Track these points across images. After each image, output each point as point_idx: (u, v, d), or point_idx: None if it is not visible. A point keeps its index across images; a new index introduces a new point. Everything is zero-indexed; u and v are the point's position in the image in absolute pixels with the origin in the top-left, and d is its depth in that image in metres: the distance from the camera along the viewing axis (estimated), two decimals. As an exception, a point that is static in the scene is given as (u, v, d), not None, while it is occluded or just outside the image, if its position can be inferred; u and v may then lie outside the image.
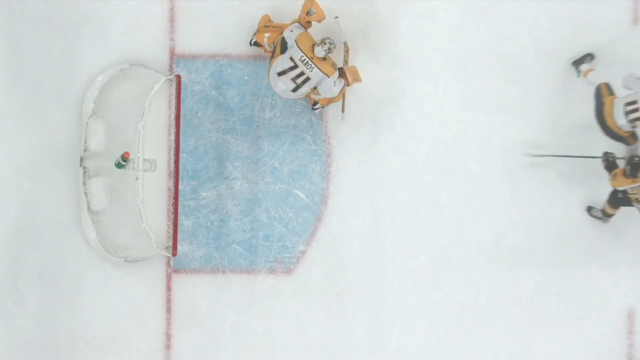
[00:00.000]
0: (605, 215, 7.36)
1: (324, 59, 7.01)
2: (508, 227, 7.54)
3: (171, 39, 7.57)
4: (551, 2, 7.54)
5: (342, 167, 7.55)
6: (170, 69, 7.57)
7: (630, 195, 6.95)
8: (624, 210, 7.49)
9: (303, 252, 7.57)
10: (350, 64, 7.41)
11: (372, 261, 7.54)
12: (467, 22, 7.56)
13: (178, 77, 7.20)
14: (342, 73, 7.12)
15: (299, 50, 6.97)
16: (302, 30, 7.07)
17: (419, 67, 7.56)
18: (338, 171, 7.57)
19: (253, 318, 7.56)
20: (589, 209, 7.50)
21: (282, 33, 7.11)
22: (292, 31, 7.05)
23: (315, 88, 7.14)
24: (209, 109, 7.58)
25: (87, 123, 7.37)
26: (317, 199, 7.57)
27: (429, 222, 7.56)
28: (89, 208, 7.37)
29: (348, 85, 7.20)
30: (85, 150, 7.36)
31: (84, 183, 7.35)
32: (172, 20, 7.57)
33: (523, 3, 7.54)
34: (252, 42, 7.38)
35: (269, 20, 7.37)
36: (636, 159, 6.78)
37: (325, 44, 6.94)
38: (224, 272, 7.58)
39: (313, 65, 6.99)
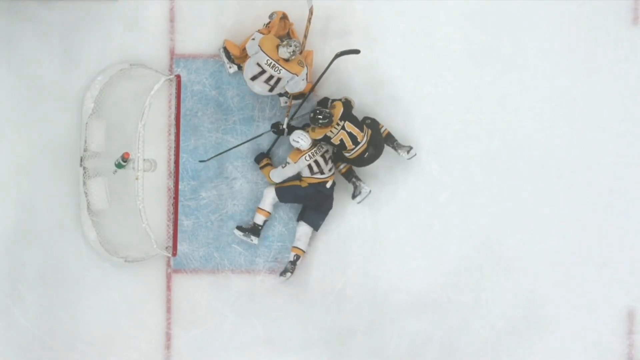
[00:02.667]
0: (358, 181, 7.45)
1: (288, 60, 7.04)
2: (508, 227, 7.54)
3: (171, 39, 7.57)
4: (551, 2, 7.54)
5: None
6: (170, 69, 7.56)
7: (332, 140, 7.12)
8: (623, 210, 7.50)
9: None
10: (341, 57, 7.42)
11: (372, 261, 7.54)
12: (467, 22, 7.56)
13: (178, 77, 7.20)
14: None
15: (264, 55, 7.03)
16: (264, 35, 7.12)
17: (419, 67, 7.55)
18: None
19: (253, 318, 7.56)
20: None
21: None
22: (254, 39, 7.11)
23: None
24: (209, 109, 7.58)
25: (87, 123, 7.36)
26: (317, 199, 7.57)
27: (429, 222, 7.56)
28: (89, 208, 7.37)
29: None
30: (85, 150, 7.36)
31: (84, 183, 7.35)
32: (172, 20, 7.57)
33: (523, 3, 7.54)
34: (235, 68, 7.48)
35: (236, 46, 7.39)
36: (312, 114, 7.04)
37: (290, 45, 6.98)
38: (224, 272, 7.58)
39: (280, 67, 7.04)
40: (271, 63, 7.04)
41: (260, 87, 7.18)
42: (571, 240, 7.54)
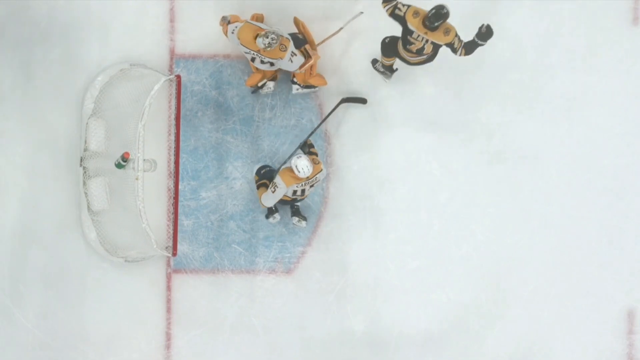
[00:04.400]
0: (386, 69, 7.38)
1: (265, 49, 6.85)
2: (508, 227, 7.54)
3: (171, 39, 7.57)
4: (551, 2, 7.55)
5: (342, 167, 7.55)
6: (170, 69, 7.57)
7: (410, 38, 6.82)
8: (623, 210, 7.51)
9: (303, 252, 7.57)
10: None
11: (372, 261, 7.55)
12: (468, 22, 7.54)
13: (178, 77, 7.20)
14: (305, 53, 7.10)
15: (244, 47, 6.90)
16: (241, 24, 6.91)
17: (419, 68, 7.54)
18: (338, 171, 7.57)
19: (253, 318, 7.56)
20: (374, 62, 7.48)
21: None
22: (232, 32, 6.93)
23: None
24: (209, 109, 7.58)
25: (87, 123, 7.37)
26: (317, 199, 7.57)
27: (429, 222, 7.56)
28: (89, 208, 7.38)
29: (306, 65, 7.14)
30: (85, 150, 7.36)
31: (84, 183, 7.36)
32: (172, 20, 7.57)
33: (523, 3, 7.55)
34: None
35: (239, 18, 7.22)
36: (444, 10, 6.66)
37: (267, 37, 6.76)
38: (224, 272, 7.58)
39: (262, 57, 6.92)
40: (255, 53, 6.91)
41: (262, 66, 7.07)
42: (571, 240, 7.54)
